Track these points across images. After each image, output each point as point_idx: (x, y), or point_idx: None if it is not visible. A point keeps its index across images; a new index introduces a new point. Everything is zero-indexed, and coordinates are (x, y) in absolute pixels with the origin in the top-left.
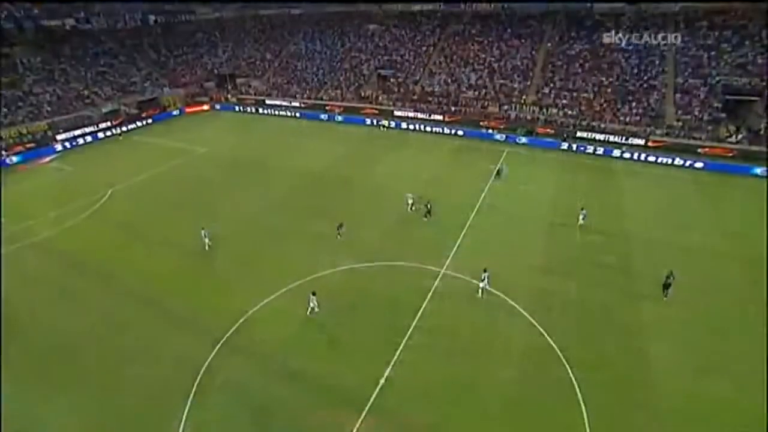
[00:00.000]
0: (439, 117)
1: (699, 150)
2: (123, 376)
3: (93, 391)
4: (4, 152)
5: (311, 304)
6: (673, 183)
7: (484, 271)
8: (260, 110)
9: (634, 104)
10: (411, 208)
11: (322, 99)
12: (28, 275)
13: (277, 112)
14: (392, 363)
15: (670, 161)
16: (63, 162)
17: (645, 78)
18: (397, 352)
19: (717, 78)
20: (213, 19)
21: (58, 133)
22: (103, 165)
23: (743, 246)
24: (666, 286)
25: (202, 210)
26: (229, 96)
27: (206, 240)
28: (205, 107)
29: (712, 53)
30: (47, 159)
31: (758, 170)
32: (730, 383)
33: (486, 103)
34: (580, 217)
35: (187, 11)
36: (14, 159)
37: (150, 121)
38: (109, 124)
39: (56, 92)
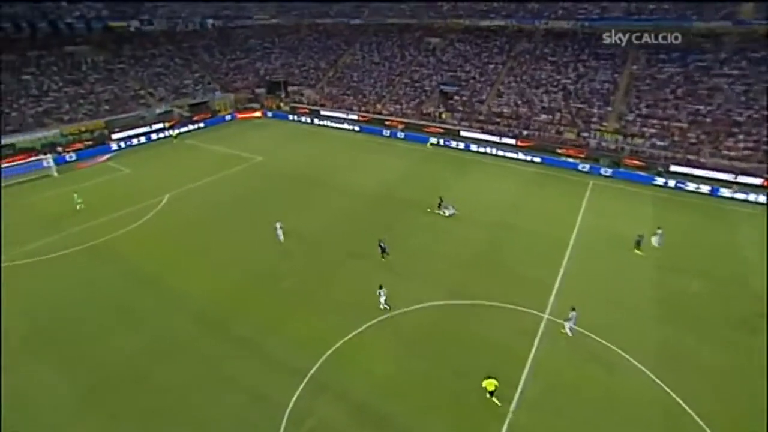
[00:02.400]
0: (511, 141)
1: None
2: (193, 406)
3: (162, 424)
4: (63, 149)
5: (383, 299)
6: None
7: (572, 309)
8: (315, 121)
9: (741, 137)
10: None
11: (380, 113)
12: (87, 281)
13: (333, 124)
14: (506, 422)
15: None
16: (118, 162)
17: (755, 107)
18: (511, 409)
19: None
20: (269, 25)
21: (114, 132)
22: (158, 168)
23: None
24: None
25: (264, 224)
26: (281, 104)
27: (280, 232)
28: (257, 114)
29: None
30: (104, 158)
31: None
32: None
33: (561, 129)
34: (655, 239)
35: (244, 16)
36: (72, 156)
37: (202, 125)
38: (161, 125)
39: (114, 91)
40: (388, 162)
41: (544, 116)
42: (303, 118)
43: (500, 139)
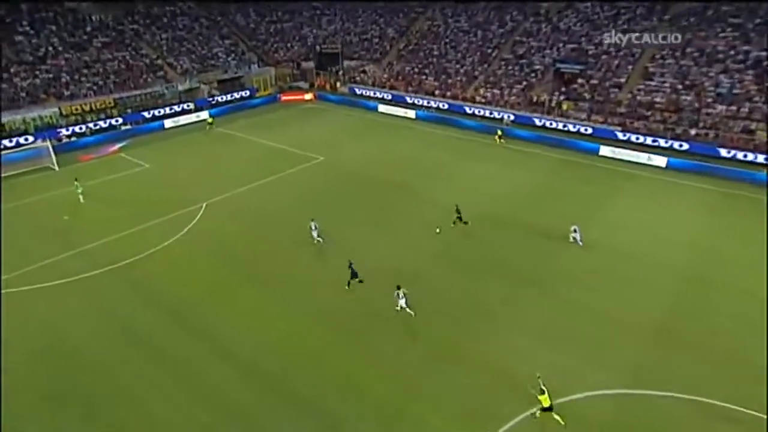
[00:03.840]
0: (670, 144)
1: None
2: None
3: None
4: (63, 133)
5: (400, 302)
6: None
7: None
8: (384, 109)
9: None
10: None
11: (473, 101)
12: (111, 320)
13: (409, 113)
14: None
15: None
16: (133, 153)
17: None
18: None
19: None
20: None
21: (126, 112)
22: (187, 165)
23: None
24: None
25: (340, 253)
26: (338, 84)
27: (314, 233)
28: (307, 97)
29: None
30: (115, 147)
31: None
32: None
33: (753, 126)
34: None
35: None
36: (74, 140)
37: (236, 107)
38: (186, 106)
39: (126, 59)
40: (494, 168)
41: (721, 107)
42: (368, 104)
43: (653, 141)
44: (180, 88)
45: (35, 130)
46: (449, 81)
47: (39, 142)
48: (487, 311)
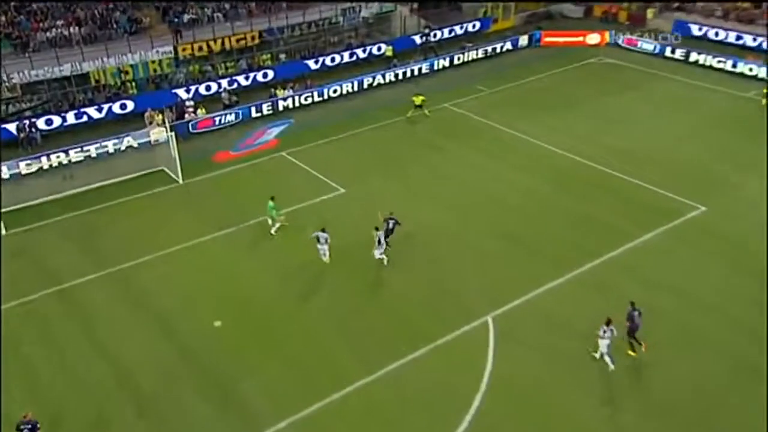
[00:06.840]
0: None
1: None
2: None
3: None
4: (187, 105)
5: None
6: None
7: None
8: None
9: None
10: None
11: None
12: None
13: None
14: None
15: None
16: (304, 154)
17: None
18: None
19: None
20: None
21: (278, 59)
22: (419, 189)
23: None
24: None
25: None
26: (648, 13)
27: (321, 246)
28: (592, 39)
29: None
30: (270, 135)
31: None
32: None
33: None
34: None
35: None
36: (199, 119)
37: (459, 58)
38: (376, 49)
39: None
40: None
41: None
42: (724, 63)
43: None
44: (364, 12)
45: (137, 89)
46: None
47: (149, 121)
48: None
